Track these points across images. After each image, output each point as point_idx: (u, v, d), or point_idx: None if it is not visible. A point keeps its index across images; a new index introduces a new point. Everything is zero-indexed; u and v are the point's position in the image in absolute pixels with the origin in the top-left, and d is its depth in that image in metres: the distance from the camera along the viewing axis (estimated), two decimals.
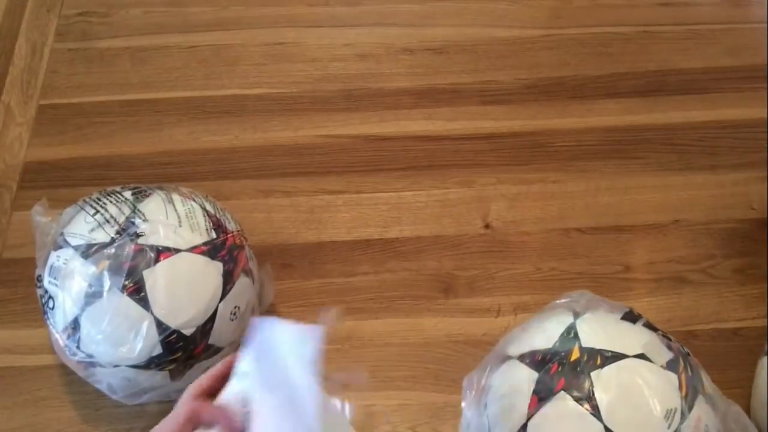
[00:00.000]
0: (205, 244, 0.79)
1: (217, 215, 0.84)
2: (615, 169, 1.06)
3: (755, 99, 1.12)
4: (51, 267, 0.78)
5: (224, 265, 0.80)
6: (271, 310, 0.93)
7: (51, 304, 0.78)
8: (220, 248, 0.81)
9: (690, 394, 0.67)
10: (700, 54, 1.16)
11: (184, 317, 0.77)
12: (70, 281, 0.76)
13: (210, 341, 0.80)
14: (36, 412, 0.89)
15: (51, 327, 0.79)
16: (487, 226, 1.02)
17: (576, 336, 0.70)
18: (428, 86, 1.13)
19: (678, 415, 0.65)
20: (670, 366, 0.68)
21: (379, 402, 0.89)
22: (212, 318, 0.79)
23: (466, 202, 1.03)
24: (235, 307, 0.81)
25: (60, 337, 0.78)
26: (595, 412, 0.64)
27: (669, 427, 0.64)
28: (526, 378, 0.69)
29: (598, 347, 0.68)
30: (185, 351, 0.78)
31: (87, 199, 0.82)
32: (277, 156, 1.07)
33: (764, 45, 1.16)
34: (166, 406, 0.87)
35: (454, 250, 1.00)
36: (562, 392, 0.66)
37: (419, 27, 1.20)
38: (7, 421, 0.88)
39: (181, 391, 0.84)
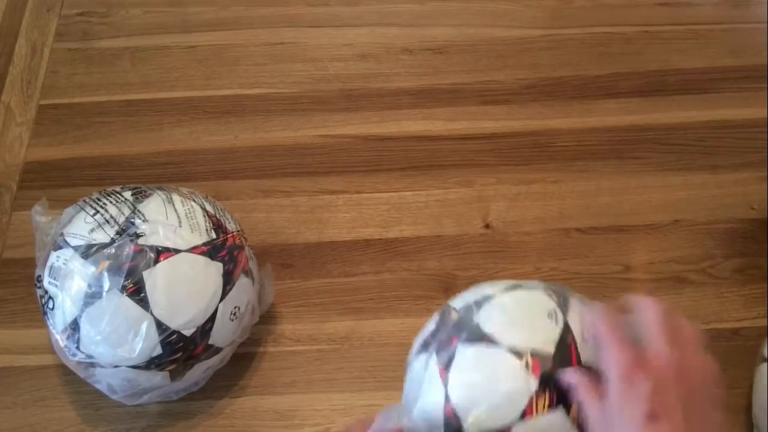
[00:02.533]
0: (205, 244, 0.79)
1: (217, 215, 0.84)
2: (615, 169, 1.06)
3: (755, 99, 1.12)
4: (51, 267, 0.78)
5: (224, 266, 0.80)
6: (271, 310, 0.93)
7: (51, 305, 0.78)
8: (220, 248, 0.81)
9: (562, 299, 0.69)
10: (700, 54, 1.16)
11: (184, 318, 0.77)
12: (69, 282, 0.76)
13: (210, 341, 0.80)
14: (36, 412, 0.89)
15: (50, 327, 0.79)
16: (487, 226, 1.02)
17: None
18: (428, 86, 1.13)
19: (559, 312, 0.67)
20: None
21: (379, 402, 0.89)
22: (212, 318, 0.79)
23: (466, 202, 1.03)
24: (235, 308, 0.81)
25: (60, 338, 0.78)
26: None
27: (556, 324, 0.65)
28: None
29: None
30: (185, 351, 0.78)
31: (87, 199, 0.82)
32: (277, 156, 1.07)
33: (764, 45, 1.16)
34: (166, 406, 0.88)
35: (454, 250, 1.00)
36: None
37: (419, 27, 1.20)
38: (7, 421, 0.88)
39: (181, 391, 0.84)
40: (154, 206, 0.80)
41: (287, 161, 1.07)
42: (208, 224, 0.81)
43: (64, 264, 0.77)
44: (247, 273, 0.84)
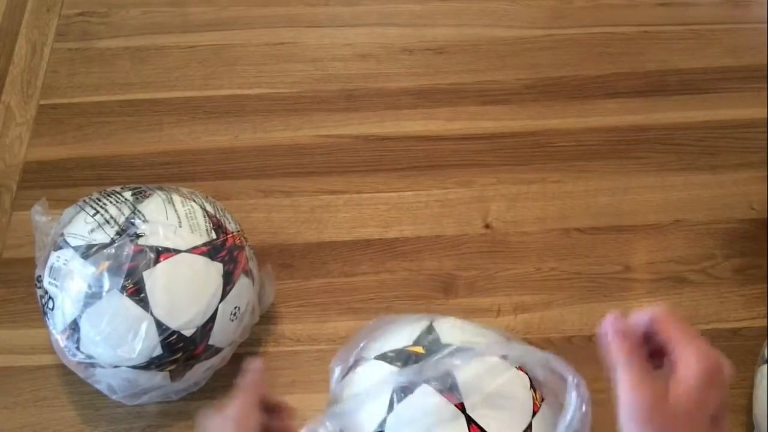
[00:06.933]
0: (205, 244, 0.79)
1: (217, 215, 0.84)
2: (615, 169, 1.06)
3: (755, 99, 1.12)
4: (51, 267, 0.78)
5: (224, 266, 0.80)
6: (271, 310, 0.93)
7: (51, 305, 0.78)
8: (220, 249, 0.81)
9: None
10: (700, 54, 1.16)
11: (184, 318, 0.77)
12: (69, 282, 0.76)
13: (210, 342, 0.80)
14: (36, 412, 0.89)
15: (51, 328, 0.79)
16: (487, 226, 1.02)
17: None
18: (428, 86, 1.13)
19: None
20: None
21: None
22: (212, 318, 0.79)
23: (466, 202, 1.03)
24: (235, 308, 0.81)
25: (60, 338, 0.78)
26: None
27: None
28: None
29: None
30: (185, 352, 0.78)
31: (87, 200, 0.82)
32: (277, 156, 1.07)
33: (764, 45, 1.16)
34: (166, 406, 0.88)
35: (454, 250, 1.00)
36: None
37: (419, 27, 1.20)
38: (7, 421, 0.88)
39: (181, 391, 0.84)
40: (154, 206, 0.80)
41: (287, 161, 1.07)
42: (208, 224, 0.81)
43: (64, 264, 0.77)
44: (247, 273, 0.84)
